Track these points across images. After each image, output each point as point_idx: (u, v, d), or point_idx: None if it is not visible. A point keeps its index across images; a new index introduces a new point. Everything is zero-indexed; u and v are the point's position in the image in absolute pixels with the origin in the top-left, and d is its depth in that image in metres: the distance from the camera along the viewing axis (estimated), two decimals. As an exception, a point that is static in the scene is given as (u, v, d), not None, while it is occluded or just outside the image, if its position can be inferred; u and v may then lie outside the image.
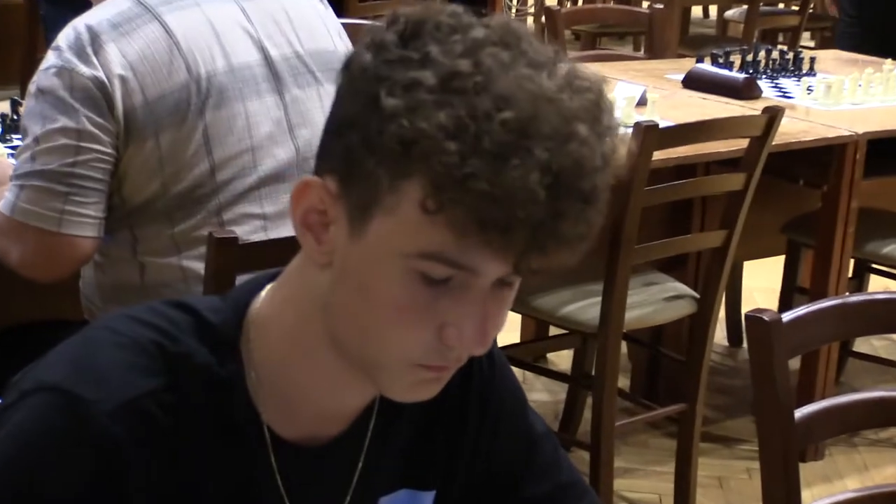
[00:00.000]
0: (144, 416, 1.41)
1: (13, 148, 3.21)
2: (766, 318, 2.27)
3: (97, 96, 2.55)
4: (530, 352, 5.02)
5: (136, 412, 1.40)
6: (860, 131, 4.64)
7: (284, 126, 2.67)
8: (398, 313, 1.37)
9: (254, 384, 1.48)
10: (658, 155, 3.79)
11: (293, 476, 1.52)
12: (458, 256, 1.32)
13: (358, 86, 1.36)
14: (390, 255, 1.34)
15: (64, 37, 2.64)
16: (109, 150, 2.58)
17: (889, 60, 5.40)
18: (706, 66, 5.27)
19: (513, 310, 4.02)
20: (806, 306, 2.50)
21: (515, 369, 4.75)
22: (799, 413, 2.38)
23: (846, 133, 4.60)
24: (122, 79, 2.56)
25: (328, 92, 1.34)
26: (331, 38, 2.82)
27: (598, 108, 1.34)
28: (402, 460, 1.63)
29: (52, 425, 1.39)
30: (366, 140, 1.33)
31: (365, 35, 1.39)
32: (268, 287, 1.53)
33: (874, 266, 5.24)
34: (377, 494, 1.61)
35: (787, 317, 2.33)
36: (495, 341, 1.64)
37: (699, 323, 4.23)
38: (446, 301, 1.36)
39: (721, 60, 5.34)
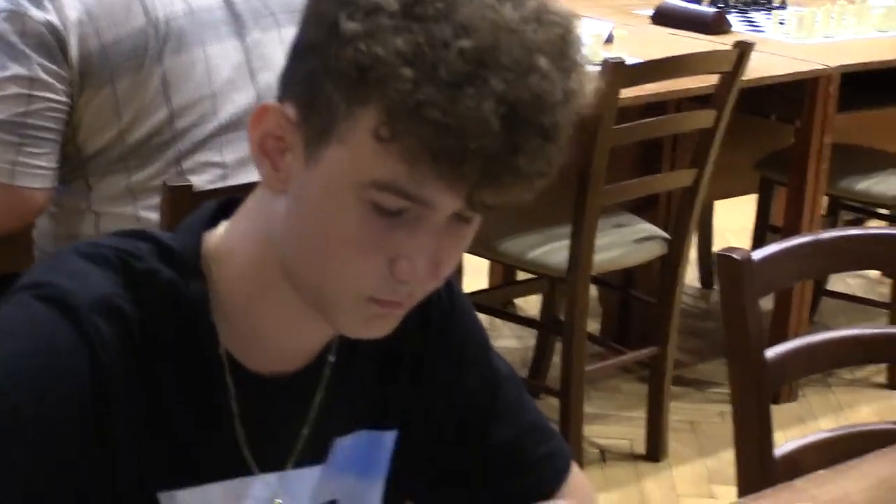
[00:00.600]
0: (120, 314, 1.41)
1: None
2: (736, 256, 2.33)
3: (50, 42, 2.54)
4: (498, 297, 5.09)
5: (112, 308, 1.41)
6: (833, 65, 4.64)
7: (245, 70, 2.67)
8: (350, 243, 1.37)
9: (216, 312, 1.49)
10: (626, 93, 3.88)
11: (250, 405, 1.52)
12: (410, 187, 1.32)
13: (321, 9, 1.34)
14: (344, 184, 1.34)
15: None
16: (63, 98, 2.59)
17: (862, -9, 5.34)
18: (675, 1, 5.19)
19: (479, 255, 4.08)
20: (777, 244, 2.52)
21: (483, 316, 4.75)
22: (771, 353, 2.41)
23: (819, 67, 4.61)
24: (77, 22, 2.53)
25: (290, 35, 1.34)
26: None
27: (564, 43, 1.32)
28: (360, 402, 1.63)
29: (38, 311, 1.40)
30: (324, 65, 1.32)
31: None
32: (224, 223, 1.52)
33: (848, 203, 5.17)
34: (333, 435, 1.61)
35: (757, 255, 2.40)
36: (457, 283, 1.69)
37: (670, 265, 4.28)
38: (400, 234, 1.35)
39: (690, -6, 5.21)
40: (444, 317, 1.66)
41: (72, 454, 1.39)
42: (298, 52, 1.39)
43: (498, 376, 1.74)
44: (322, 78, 1.33)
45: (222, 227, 1.52)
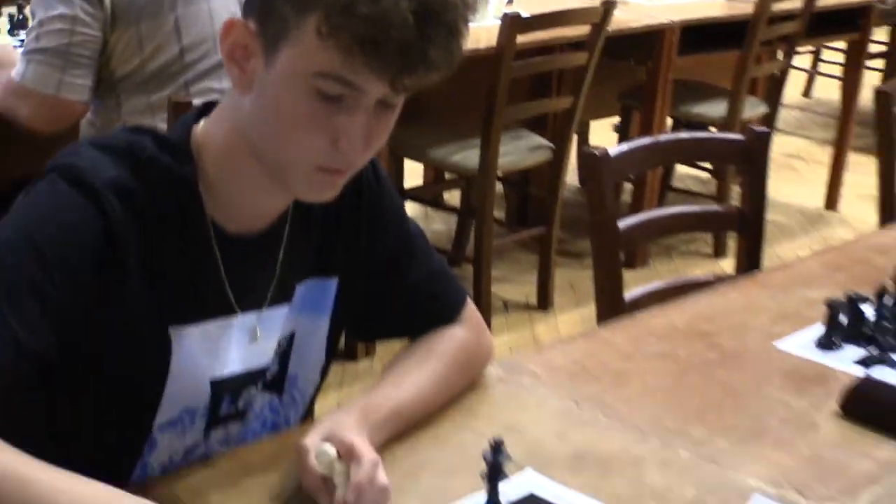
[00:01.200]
0: (126, 190, 1.44)
1: (21, 41, 3.19)
2: (596, 152, 2.42)
3: None
4: (430, 192, 5.16)
5: (121, 188, 1.43)
6: (676, 20, 4.71)
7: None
8: (301, 125, 1.40)
9: (202, 188, 1.51)
10: (522, 39, 3.88)
11: (231, 259, 1.55)
12: (346, 74, 1.35)
13: None
14: (295, 76, 1.37)
15: None
16: (98, 34, 2.64)
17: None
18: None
19: (415, 160, 4.15)
20: (626, 143, 2.63)
21: (419, 206, 4.93)
22: (622, 224, 2.53)
23: (665, 21, 4.68)
24: None
25: None
26: None
27: None
28: (312, 255, 1.66)
29: (61, 189, 1.42)
30: None
31: None
32: (203, 120, 1.55)
33: (686, 122, 5.24)
34: (293, 282, 1.64)
35: (612, 151, 2.53)
36: (381, 164, 1.73)
37: (555, 167, 4.40)
38: (340, 117, 1.39)
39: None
40: (371, 188, 1.67)
41: (88, 291, 1.40)
42: None
43: (411, 234, 1.78)
44: (277, 2, 1.37)
45: (203, 123, 1.54)
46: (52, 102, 2.67)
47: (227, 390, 1.62)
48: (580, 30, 4.14)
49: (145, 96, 2.72)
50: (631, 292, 2.54)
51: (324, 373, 1.79)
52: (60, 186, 1.43)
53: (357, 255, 1.71)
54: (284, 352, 1.69)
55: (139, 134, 1.54)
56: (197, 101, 2.40)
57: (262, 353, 1.65)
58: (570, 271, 4.66)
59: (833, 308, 2.07)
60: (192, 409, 1.59)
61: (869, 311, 2.09)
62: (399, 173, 4.59)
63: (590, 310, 2.53)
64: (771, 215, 3.31)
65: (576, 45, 4.14)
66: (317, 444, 1.45)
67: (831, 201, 5.79)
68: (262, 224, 1.59)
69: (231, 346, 1.60)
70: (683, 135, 3.46)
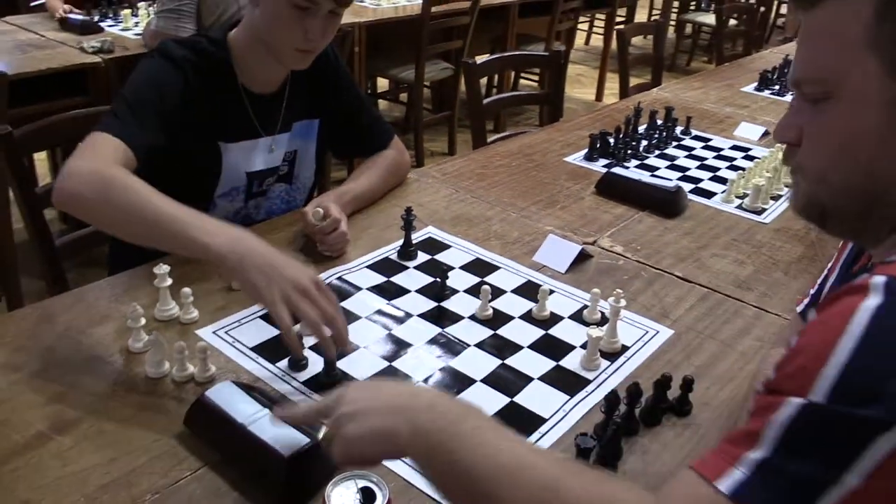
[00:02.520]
0: (193, 64, 1.37)
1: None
2: (469, 63, 2.25)
3: None
4: (391, 94, 4.72)
5: (189, 60, 1.37)
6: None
7: None
8: (285, 24, 1.33)
9: (235, 65, 1.42)
10: (435, 9, 3.65)
11: (256, 106, 1.46)
12: None
13: None
14: None
15: None
16: (194, 2, 2.46)
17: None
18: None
19: (381, 76, 3.81)
20: (488, 57, 2.47)
21: (385, 101, 4.57)
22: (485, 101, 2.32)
23: (510, 0, 4.38)
24: None
25: None
26: None
27: None
28: (302, 105, 1.54)
29: (159, 60, 1.36)
30: None
31: None
32: (234, 29, 1.45)
33: None
34: (292, 120, 1.53)
35: (478, 62, 2.31)
36: (338, 52, 1.60)
37: (454, 79, 4.06)
38: (307, 20, 1.32)
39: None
40: (331, 63, 1.54)
41: (177, 114, 1.34)
42: None
43: (359, 93, 1.66)
44: None
45: (234, 31, 1.44)
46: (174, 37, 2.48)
47: (256, 178, 1.53)
48: (465, 4, 3.85)
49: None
50: (491, 138, 2.38)
51: (316, 175, 1.66)
52: (159, 60, 1.37)
53: (327, 103, 1.58)
54: (291, 160, 1.58)
55: (199, 36, 1.46)
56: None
57: (276, 159, 1.55)
58: (464, 135, 4.46)
59: (593, 139, 2.00)
60: (237, 188, 1.51)
61: (611, 140, 2.00)
62: (374, 85, 4.39)
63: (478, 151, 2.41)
64: (566, 104, 3.13)
65: (463, 12, 3.86)
66: (311, 209, 1.41)
67: (599, 96, 5.59)
68: (272, 87, 1.49)
69: (258, 153, 1.51)
70: (518, 53, 3.30)
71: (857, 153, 0.68)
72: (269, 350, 1.12)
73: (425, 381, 1.09)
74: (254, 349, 1.12)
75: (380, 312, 1.25)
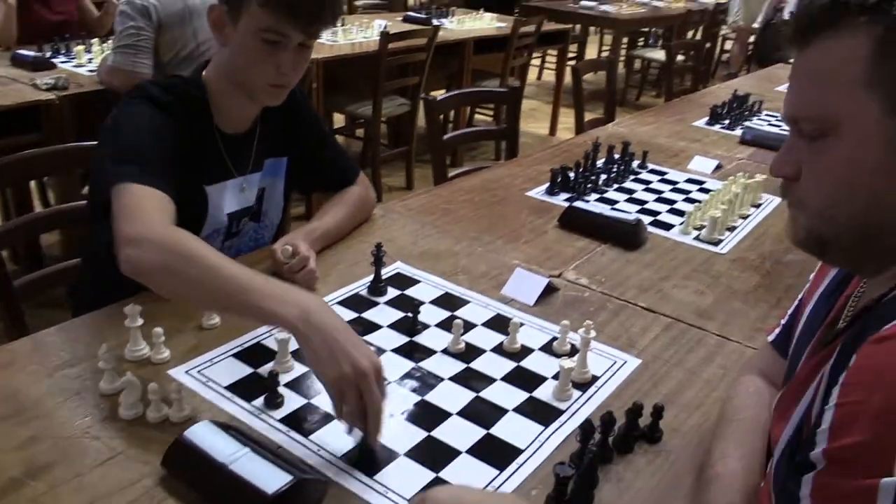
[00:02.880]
0: (171, 106, 1.36)
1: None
2: (430, 99, 2.29)
3: (146, 12, 2.41)
4: (347, 130, 4.77)
5: (168, 104, 1.36)
6: (471, 36, 4.45)
7: None
8: (257, 60, 1.34)
9: (211, 106, 1.43)
10: (392, 45, 3.69)
11: (230, 147, 1.46)
12: (278, 27, 1.30)
13: None
14: (250, 32, 1.31)
15: None
16: (151, 35, 2.44)
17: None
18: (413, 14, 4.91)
19: (338, 112, 3.85)
20: (446, 93, 2.51)
21: (342, 137, 4.60)
22: (445, 137, 2.37)
23: (466, 37, 4.46)
24: (154, 6, 2.41)
25: None
26: None
27: None
28: (272, 144, 1.55)
29: (139, 105, 1.34)
30: None
31: None
32: (207, 66, 1.45)
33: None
34: (263, 158, 1.54)
35: (439, 98, 2.35)
36: (304, 92, 1.62)
37: (411, 114, 4.13)
38: (279, 55, 1.33)
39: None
40: (298, 101, 1.55)
41: (171, 162, 1.31)
42: None
43: (325, 130, 1.68)
44: None
45: (206, 70, 1.44)
46: (130, 75, 2.44)
47: (234, 219, 1.54)
48: (422, 40, 3.92)
49: (180, 72, 2.51)
50: (452, 173, 2.42)
51: (283, 213, 1.66)
52: (145, 105, 1.35)
53: (295, 140, 1.60)
54: (260, 198, 1.58)
55: (174, 78, 1.47)
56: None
57: (249, 198, 1.55)
58: (422, 170, 4.50)
59: (554, 173, 2.05)
60: (218, 229, 1.52)
61: (571, 174, 2.05)
62: (330, 119, 4.41)
63: (437, 188, 2.43)
64: (521, 138, 3.18)
65: (420, 48, 3.93)
66: (280, 247, 1.43)
67: (552, 131, 5.69)
68: (244, 127, 1.50)
69: (233, 194, 1.52)
70: (477, 89, 3.38)
71: (857, 190, 0.70)
72: (243, 388, 1.12)
73: (402, 414, 1.10)
74: (228, 388, 1.12)
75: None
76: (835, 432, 0.60)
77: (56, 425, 1.02)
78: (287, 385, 1.14)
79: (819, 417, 0.63)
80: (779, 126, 2.90)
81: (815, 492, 0.60)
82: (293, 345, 1.22)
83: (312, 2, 1.30)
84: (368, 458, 1.00)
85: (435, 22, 4.48)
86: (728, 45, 7.86)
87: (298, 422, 1.07)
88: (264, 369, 1.16)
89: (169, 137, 1.33)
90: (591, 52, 7.25)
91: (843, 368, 0.63)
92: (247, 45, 1.33)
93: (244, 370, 1.17)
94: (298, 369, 1.18)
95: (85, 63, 3.08)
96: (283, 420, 1.07)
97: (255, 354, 1.21)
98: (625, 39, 6.89)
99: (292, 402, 1.10)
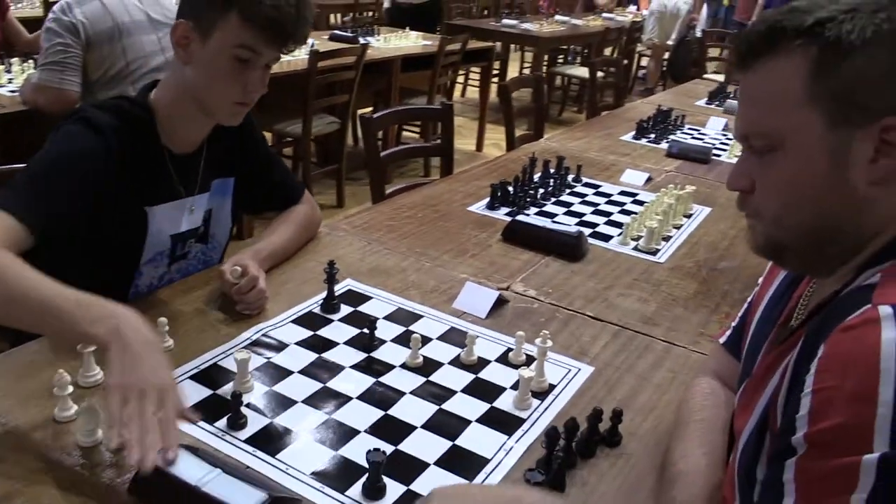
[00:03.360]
0: (116, 129, 1.33)
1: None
2: (367, 117, 2.30)
3: (74, 29, 2.33)
4: (276, 148, 4.80)
5: (112, 126, 1.32)
6: (399, 54, 4.51)
7: (159, 46, 2.52)
8: (228, 78, 1.32)
9: (158, 127, 1.39)
10: (321, 64, 3.69)
11: (178, 167, 1.43)
12: (254, 44, 1.29)
13: None
14: (223, 49, 1.29)
15: (58, 5, 2.39)
16: (79, 52, 2.36)
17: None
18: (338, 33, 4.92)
19: (266, 131, 3.79)
20: (385, 111, 2.52)
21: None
22: (383, 154, 2.37)
23: (394, 55, 4.50)
24: (84, 22, 2.34)
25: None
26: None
27: None
28: (220, 164, 1.53)
29: (78, 128, 1.30)
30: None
31: None
32: (154, 90, 1.42)
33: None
34: (211, 179, 1.52)
35: (375, 116, 2.36)
36: (255, 119, 1.59)
37: (341, 132, 4.13)
38: (248, 73, 1.32)
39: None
40: (247, 122, 1.47)
41: (99, 184, 1.29)
42: None
43: (270, 151, 1.67)
44: (208, 2, 1.29)
45: (154, 91, 1.41)
46: (57, 92, 2.38)
47: (179, 240, 1.51)
48: (350, 59, 3.93)
49: (107, 91, 2.43)
50: (388, 190, 2.43)
51: (230, 233, 1.65)
52: (77, 126, 1.31)
53: (242, 161, 1.58)
54: (207, 220, 1.56)
55: (120, 99, 1.42)
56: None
57: (196, 220, 1.53)
58: (351, 187, 4.49)
59: (494, 188, 2.09)
60: (161, 252, 1.49)
61: (511, 188, 2.10)
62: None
63: (365, 206, 2.43)
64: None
65: (348, 67, 3.93)
66: (229, 267, 1.41)
67: (479, 147, 5.76)
68: (192, 147, 1.47)
69: (180, 215, 1.49)
70: (412, 107, 3.41)
71: (806, 198, 0.75)
72: (204, 411, 1.11)
73: (367, 430, 1.11)
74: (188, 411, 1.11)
75: (312, 365, 1.26)
76: (814, 417, 0.64)
77: (12, 456, 0.99)
78: (248, 406, 1.13)
79: (795, 405, 0.67)
80: (702, 139, 3.03)
81: (798, 474, 0.63)
82: (254, 362, 1.22)
83: (293, 20, 1.29)
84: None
85: (362, 40, 4.50)
86: (644, 61, 8.12)
87: (264, 441, 1.06)
88: (224, 390, 1.16)
89: (95, 161, 1.30)
90: (513, 70, 7.38)
91: (812, 358, 0.68)
92: (216, 62, 1.31)
93: (203, 392, 1.15)
94: (259, 388, 1.18)
95: (5, 83, 2.98)
96: (248, 441, 1.06)
97: (212, 376, 1.20)
98: (546, 57, 7.04)
99: (256, 421, 1.10)
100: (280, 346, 1.30)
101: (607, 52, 7.11)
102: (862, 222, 0.75)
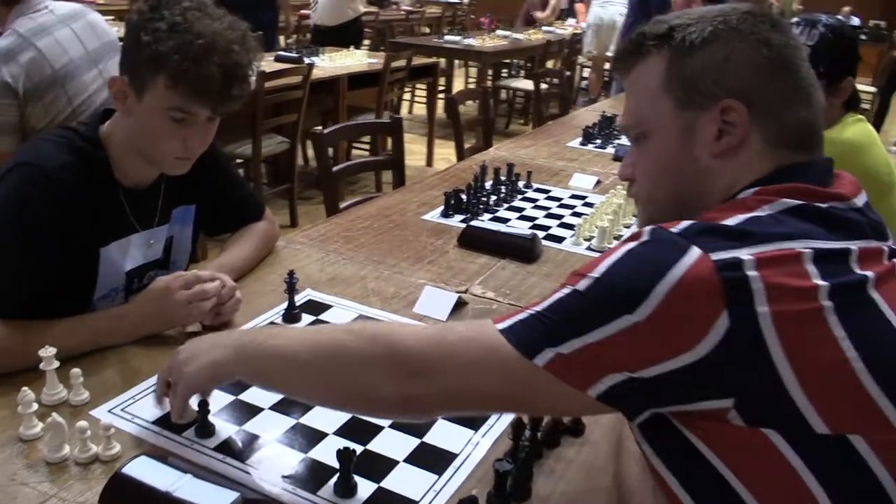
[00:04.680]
0: (67, 167, 1.31)
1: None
2: (318, 132, 2.30)
3: (7, 89, 2.17)
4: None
5: (63, 165, 1.30)
6: (345, 73, 4.53)
7: (102, 83, 2.42)
8: (163, 136, 1.31)
9: (111, 162, 1.37)
10: (268, 84, 3.69)
11: (133, 201, 1.43)
12: (186, 107, 1.28)
13: (131, 32, 1.27)
14: (156, 110, 1.29)
15: None
16: (15, 112, 2.21)
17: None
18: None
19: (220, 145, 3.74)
20: (334, 126, 2.53)
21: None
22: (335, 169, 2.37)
23: (341, 73, 4.51)
24: (19, 77, 2.18)
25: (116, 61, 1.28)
26: (114, 36, 2.44)
27: (245, 38, 1.31)
28: (179, 194, 1.52)
29: (27, 178, 1.28)
30: (137, 59, 1.27)
31: (134, 7, 1.32)
32: (105, 123, 1.39)
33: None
34: (170, 208, 1.52)
35: (326, 131, 2.37)
36: (218, 145, 1.58)
37: (291, 152, 4.09)
38: (185, 130, 1.31)
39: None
40: (209, 153, 1.45)
41: (51, 235, 1.28)
42: (124, 52, 1.31)
43: (232, 171, 1.70)
44: (138, 64, 1.27)
45: (106, 125, 1.39)
46: None
47: (135, 275, 1.50)
48: (297, 78, 3.92)
49: None
50: (342, 205, 2.44)
51: (190, 257, 1.65)
52: (25, 181, 1.29)
53: (204, 189, 1.58)
54: (167, 248, 1.56)
55: (68, 131, 1.39)
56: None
57: (156, 252, 1.53)
58: (304, 207, 4.47)
59: (447, 196, 2.12)
60: (116, 288, 1.47)
61: (464, 196, 2.13)
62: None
63: (319, 221, 2.43)
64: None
65: (296, 86, 3.93)
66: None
67: (429, 162, 5.79)
68: (148, 181, 1.46)
69: (137, 250, 1.48)
70: (362, 122, 3.40)
71: (666, 171, 0.91)
72: (170, 423, 1.11)
73: (335, 432, 1.12)
74: (156, 423, 1.11)
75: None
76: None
77: (-24, 477, 0.98)
78: (216, 414, 1.13)
79: None
80: (645, 143, 3.10)
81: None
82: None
83: (220, 82, 1.27)
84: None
85: (307, 60, 4.51)
86: (586, 72, 8.28)
87: (233, 448, 1.07)
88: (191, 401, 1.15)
89: (47, 216, 1.29)
90: (458, 85, 7.46)
91: None
92: (152, 120, 1.30)
93: (168, 404, 1.15)
94: (225, 397, 1.18)
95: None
96: (217, 448, 1.06)
97: (177, 388, 1.19)
98: (490, 71, 7.13)
99: (224, 429, 1.10)
100: (244, 357, 1.30)
101: (549, 64, 7.23)
102: (707, 190, 0.88)
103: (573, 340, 0.77)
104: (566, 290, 0.80)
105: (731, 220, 0.80)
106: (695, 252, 0.74)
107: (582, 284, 0.78)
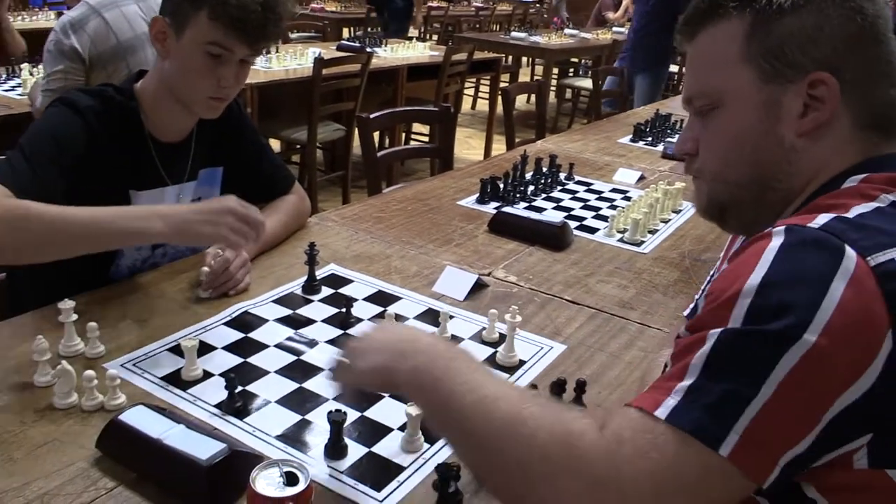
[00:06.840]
0: (99, 114, 1.37)
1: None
2: (364, 116, 2.33)
3: (74, 54, 2.24)
4: (283, 155, 4.85)
5: (95, 110, 1.37)
6: (404, 63, 4.54)
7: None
8: (200, 73, 1.35)
9: (142, 115, 1.43)
10: (326, 71, 3.74)
11: (163, 155, 1.47)
12: (224, 42, 1.33)
13: None
14: (195, 44, 1.33)
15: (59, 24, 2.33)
16: (81, 78, 2.24)
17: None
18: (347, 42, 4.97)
19: (273, 138, 3.85)
20: (379, 111, 2.56)
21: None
22: (378, 154, 2.39)
23: (399, 64, 4.55)
24: (87, 44, 2.24)
25: None
26: None
27: None
28: (207, 153, 1.56)
29: (62, 110, 1.36)
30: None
31: None
32: (140, 80, 1.46)
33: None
34: (198, 168, 1.55)
35: (372, 116, 2.39)
36: (243, 104, 1.64)
37: (347, 140, 4.15)
38: (221, 68, 1.35)
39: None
40: (234, 114, 1.56)
41: (76, 159, 1.32)
42: None
43: (261, 141, 1.70)
44: (179, 1, 1.33)
45: (140, 82, 1.46)
46: None
47: None
48: (355, 67, 3.98)
49: None
50: (386, 190, 2.46)
51: None
52: (62, 109, 1.37)
53: (231, 151, 1.61)
54: None
55: (106, 87, 1.45)
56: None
57: None
58: (358, 194, 4.50)
59: (484, 183, 2.12)
60: None
61: (501, 184, 2.12)
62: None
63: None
64: (456, 163, 3.26)
65: (354, 74, 3.99)
66: (213, 250, 1.46)
67: (486, 155, 5.79)
68: (179, 136, 1.51)
69: (166, 202, 1.51)
70: (408, 108, 3.45)
71: (743, 148, 0.82)
72: (179, 379, 1.14)
73: (335, 399, 1.13)
74: (164, 378, 1.14)
75: (289, 339, 1.28)
76: (696, 311, 0.73)
77: (-11, 417, 1.03)
78: (222, 374, 1.16)
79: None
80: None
81: (675, 348, 0.72)
82: (231, 337, 1.25)
83: (260, 17, 1.32)
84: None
85: (368, 50, 4.56)
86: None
87: (233, 407, 1.09)
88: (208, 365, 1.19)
89: (76, 141, 1.34)
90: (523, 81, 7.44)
91: None
92: (190, 57, 1.35)
93: (180, 363, 1.18)
94: (233, 359, 1.21)
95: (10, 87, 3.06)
96: (218, 406, 1.09)
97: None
98: (556, 70, 7.09)
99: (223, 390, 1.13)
100: (260, 322, 1.33)
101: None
102: (792, 172, 0.80)
103: (752, 405, 0.62)
104: (713, 337, 0.65)
105: (857, 211, 0.71)
106: (852, 255, 0.65)
107: (735, 320, 0.65)
